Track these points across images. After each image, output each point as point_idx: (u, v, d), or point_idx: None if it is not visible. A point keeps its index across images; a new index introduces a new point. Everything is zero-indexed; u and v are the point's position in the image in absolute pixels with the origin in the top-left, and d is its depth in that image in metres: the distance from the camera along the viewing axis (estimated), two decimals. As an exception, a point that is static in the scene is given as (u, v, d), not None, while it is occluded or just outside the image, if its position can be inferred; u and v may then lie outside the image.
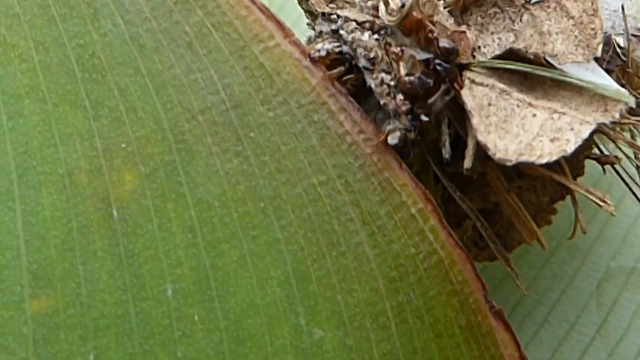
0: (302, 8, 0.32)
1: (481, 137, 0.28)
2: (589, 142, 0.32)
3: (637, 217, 0.36)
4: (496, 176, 0.30)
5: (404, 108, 0.28)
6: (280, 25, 0.29)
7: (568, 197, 0.33)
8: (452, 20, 0.29)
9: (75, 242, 0.28)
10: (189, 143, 0.28)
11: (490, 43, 0.29)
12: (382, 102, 0.29)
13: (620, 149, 0.32)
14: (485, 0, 0.30)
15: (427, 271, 0.29)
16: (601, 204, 0.29)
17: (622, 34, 0.30)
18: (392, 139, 0.28)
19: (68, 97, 0.28)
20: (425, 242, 0.29)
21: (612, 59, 0.31)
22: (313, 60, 0.29)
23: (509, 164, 0.27)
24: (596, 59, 0.30)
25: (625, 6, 0.31)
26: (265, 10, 0.29)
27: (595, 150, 0.33)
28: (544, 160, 0.27)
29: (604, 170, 0.33)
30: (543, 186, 0.32)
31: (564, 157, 0.28)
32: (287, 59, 0.29)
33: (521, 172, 0.31)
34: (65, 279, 0.27)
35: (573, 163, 0.31)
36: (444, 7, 0.29)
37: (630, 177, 0.33)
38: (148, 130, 0.28)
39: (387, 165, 0.29)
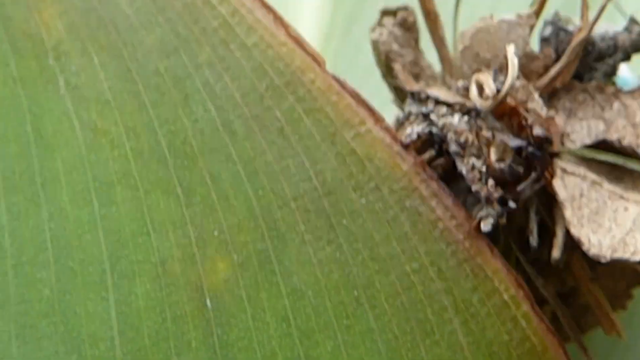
0: (389, 83, 0.32)
1: (574, 231, 0.27)
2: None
3: None
4: (581, 266, 0.30)
5: (496, 195, 0.28)
6: (371, 110, 0.29)
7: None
8: (545, 108, 0.29)
9: (169, 333, 0.28)
10: (281, 231, 0.28)
11: (578, 130, 0.29)
12: (473, 189, 0.28)
13: None
14: (574, 85, 0.30)
15: (520, 358, 0.28)
16: None
17: None
18: (485, 226, 0.28)
19: (160, 184, 0.28)
20: (518, 329, 0.28)
21: None
22: (405, 145, 0.29)
23: (603, 260, 0.27)
24: None
25: None
26: (355, 96, 0.29)
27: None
28: (638, 258, 0.27)
29: None
30: (621, 272, 0.32)
31: None
32: (378, 144, 0.28)
33: None
34: (160, 370, 0.27)
35: None
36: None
37: None
38: (240, 217, 0.28)
39: (479, 252, 0.28)
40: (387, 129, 0.29)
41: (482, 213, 0.28)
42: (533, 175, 0.28)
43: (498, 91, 0.28)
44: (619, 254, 0.27)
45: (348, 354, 0.28)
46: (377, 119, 0.29)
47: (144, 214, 0.28)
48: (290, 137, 0.28)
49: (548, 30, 0.30)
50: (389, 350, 0.28)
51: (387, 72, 0.31)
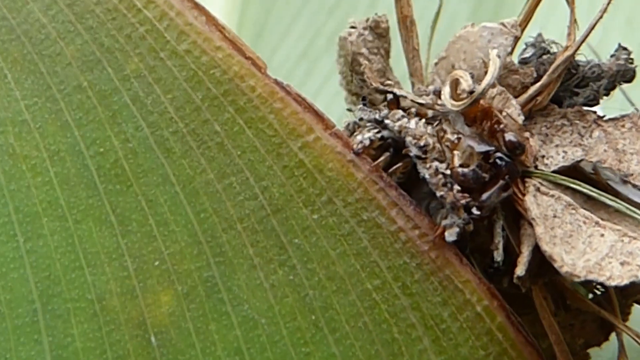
0: (347, 90, 0.29)
1: (546, 248, 0.25)
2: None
3: None
4: (543, 296, 0.27)
5: (463, 201, 0.26)
6: (319, 116, 0.26)
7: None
8: (522, 116, 0.26)
9: (111, 376, 0.25)
10: (228, 255, 0.26)
11: (554, 155, 0.27)
12: (438, 195, 0.26)
13: None
14: (553, 110, 0.27)
15: (497, 374, 0.26)
16: None
17: None
18: (450, 235, 0.26)
19: (91, 212, 0.26)
20: (494, 342, 0.26)
21: None
22: (356, 153, 0.26)
23: (576, 279, 0.25)
24: None
25: None
26: (301, 101, 0.26)
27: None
28: (614, 283, 0.24)
29: None
30: (581, 327, 0.29)
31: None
32: (329, 153, 0.26)
33: (566, 306, 0.29)
34: (103, 418, 0.25)
35: (621, 306, 0.29)
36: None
37: None
38: (182, 244, 0.26)
39: (446, 262, 0.26)
40: (337, 135, 0.26)
41: (447, 221, 0.26)
42: (501, 182, 0.26)
43: (472, 91, 0.25)
44: (594, 276, 0.25)
45: (309, 386, 0.25)
46: (327, 125, 0.26)
47: (75, 246, 0.26)
48: (231, 152, 0.26)
49: (529, 52, 0.27)
50: (354, 378, 0.26)
51: (350, 75, 0.29)
